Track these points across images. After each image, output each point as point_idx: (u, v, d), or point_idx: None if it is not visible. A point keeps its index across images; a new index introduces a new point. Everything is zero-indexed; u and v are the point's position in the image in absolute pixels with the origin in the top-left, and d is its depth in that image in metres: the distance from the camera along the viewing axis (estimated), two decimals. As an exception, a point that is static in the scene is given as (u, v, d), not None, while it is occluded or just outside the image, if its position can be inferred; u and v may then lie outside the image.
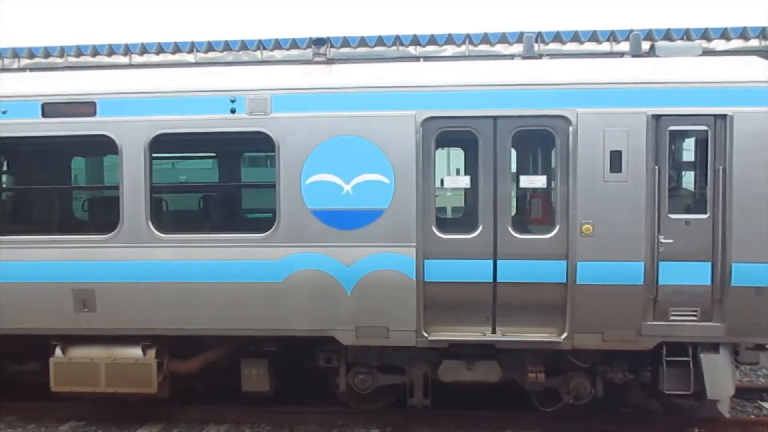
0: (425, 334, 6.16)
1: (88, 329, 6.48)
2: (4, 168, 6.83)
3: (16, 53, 11.49)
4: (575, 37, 10.71)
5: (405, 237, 6.10)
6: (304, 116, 6.20)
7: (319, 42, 7.19)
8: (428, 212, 6.16)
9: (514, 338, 6.13)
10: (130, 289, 6.34)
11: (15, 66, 11.36)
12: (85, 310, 6.39)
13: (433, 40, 11.00)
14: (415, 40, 11.02)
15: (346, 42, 10.86)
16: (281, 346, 6.76)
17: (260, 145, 6.77)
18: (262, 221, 7.64)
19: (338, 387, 6.80)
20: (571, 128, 5.97)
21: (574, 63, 6.99)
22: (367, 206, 6.15)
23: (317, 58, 6.94)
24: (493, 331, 6.18)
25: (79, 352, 6.60)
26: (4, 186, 6.83)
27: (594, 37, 10.68)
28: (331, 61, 7.06)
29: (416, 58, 10.77)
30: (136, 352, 6.53)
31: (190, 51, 11.37)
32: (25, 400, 7.43)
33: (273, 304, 6.28)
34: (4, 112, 6.51)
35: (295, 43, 11.08)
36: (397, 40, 10.96)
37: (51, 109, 6.48)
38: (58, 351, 6.62)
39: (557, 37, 10.73)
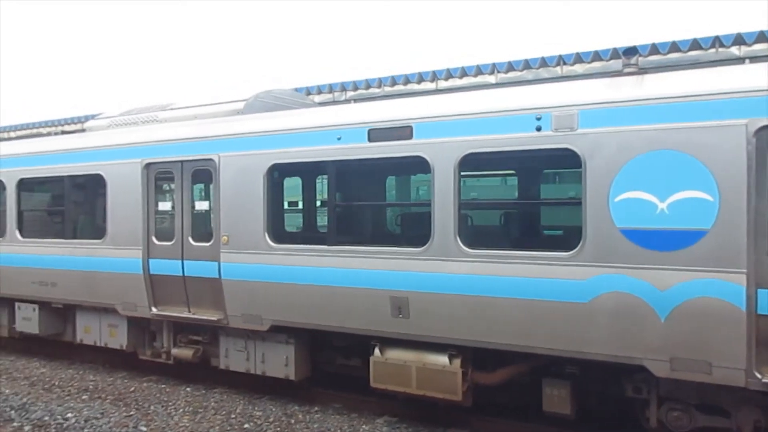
0: (758, 375, 5.35)
1: (402, 334, 7.07)
2: (337, 186, 7.87)
3: (343, 87, 13.29)
4: None
5: (733, 262, 5.39)
6: (614, 131, 5.93)
7: (629, 52, 6.82)
8: (763, 235, 5.36)
9: None
10: (438, 300, 6.76)
11: (343, 98, 13.13)
12: (400, 316, 7.01)
13: (762, 37, 9.62)
14: (739, 39, 9.76)
15: (655, 49, 10.13)
16: (585, 369, 6.52)
17: (564, 161, 6.67)
18: (563, 239, 7.51)
19: (648, 421, 6.31)
20: None
21: None
22: (685, 226, 5.60)
23: (627, 69, 6.57)
24: None
25: (395, 354, 7.25)
26: (337, 203, 7.85)
27: None
28: (642, 70, 6.60)
29: (740, 60, 9.53)
30: (443, 359, 6.93)
31: (491, 72, 11.78)
32: (349, 392, 8.44)
33: (575, 325, 6.09)
34: (339, 138, 7.53)
35: (597, 56, 10.70)
36: (716, 41, 9.84)
37: (375, 134, 7.28)
38: (376, 351, 7.37)
39: None
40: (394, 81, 12.71)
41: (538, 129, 6.31)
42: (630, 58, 6.65)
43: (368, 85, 12.99)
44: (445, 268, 6.73)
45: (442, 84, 12.34)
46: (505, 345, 6.55)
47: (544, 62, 11.18)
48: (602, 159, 5.96)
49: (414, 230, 8.02)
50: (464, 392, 6.89)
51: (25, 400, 8.84)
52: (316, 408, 8.26)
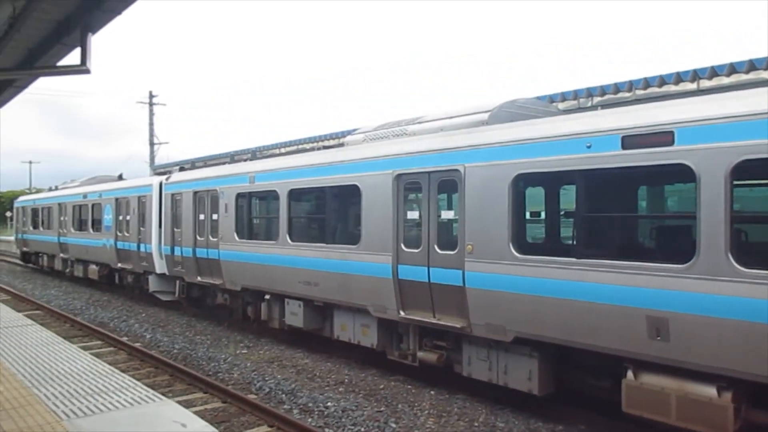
0: None
1: (660, 357, 6.49)
2: (585, 196, 7.49)
3: (590, 92, 12.71)
4: None
5: None
6: None
7: None
8: None
9: None
10: (706, 324, 6.06)
11: (589, 104, 12.56)
12: (659, 338, 6.42)
13: None
14: None
15: None
16: None
17: None
18: None
19: None
20: None
21: None
22: None
23: None
24: None
25: (651, 379, 6.67)
26: (586, 214, 7.48)
27: None
28: None
29: None
30: (710, 391, 6.19)
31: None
32: (596, 413, 7.97)
33: None
34: (588, 146, 7.19)
35: None
36: None
37: (630, 140, 6.81)
38: (629, 374, 6.86)
39: None
40: (647, 83, 11.81)
41: None
42: None
43: (617, 89, 12.25)
44: (714, 288, 6.02)
45: (705, 84, 11.14)
46: None
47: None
48: None
49: (673, 245, 7.33)
50: (737, 431, 6.07)
51: (293, 386, 9.96)
52: (560, 427, 7.95)
